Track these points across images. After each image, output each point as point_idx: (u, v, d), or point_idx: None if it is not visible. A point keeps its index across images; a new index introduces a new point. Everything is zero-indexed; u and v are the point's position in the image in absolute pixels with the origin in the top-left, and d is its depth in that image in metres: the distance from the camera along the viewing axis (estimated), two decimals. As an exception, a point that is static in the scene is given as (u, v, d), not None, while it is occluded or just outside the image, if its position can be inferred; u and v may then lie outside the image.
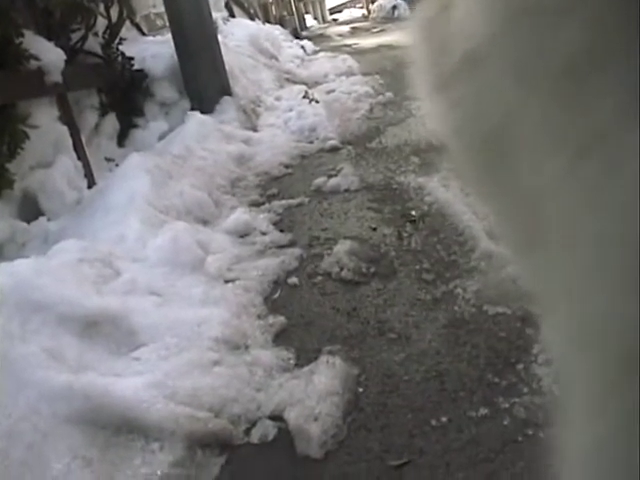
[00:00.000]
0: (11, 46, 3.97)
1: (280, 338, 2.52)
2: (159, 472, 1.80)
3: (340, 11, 39.91)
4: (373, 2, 27.09)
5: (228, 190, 4.37)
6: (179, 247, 3.02)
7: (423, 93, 0.55)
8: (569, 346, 0.40)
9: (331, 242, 3.32)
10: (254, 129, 6.11)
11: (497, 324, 2.32)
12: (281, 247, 3.36)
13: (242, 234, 3.53)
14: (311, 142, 5.62)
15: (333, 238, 3.37)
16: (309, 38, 17.89)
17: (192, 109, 5.86)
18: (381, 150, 5.00)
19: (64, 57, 4.46)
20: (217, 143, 5.11)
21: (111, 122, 5.49)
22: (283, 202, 4.11)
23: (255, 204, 4.14)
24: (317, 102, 7.08)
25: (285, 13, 21.74)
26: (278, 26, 16.68)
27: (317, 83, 8.89)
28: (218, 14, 10.00)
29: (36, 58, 4.18)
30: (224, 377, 2.16)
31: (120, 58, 5.77)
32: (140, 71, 6.00)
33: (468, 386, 2.03)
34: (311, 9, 34.05)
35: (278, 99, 7.58)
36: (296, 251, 3.26)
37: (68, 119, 4.56)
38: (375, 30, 18.93)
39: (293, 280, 2.97)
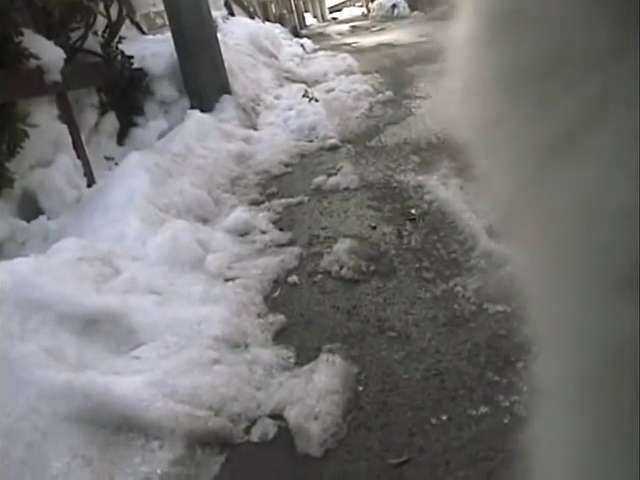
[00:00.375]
0: (11, 45, 3.97)
1: (280, 337, 2.52)
2: (159, 471, 1.80)
3: (340, 10, 39.96)
4: (373, 1, 27.09)
5: (228, 189, 4.37)
6: (179, 245, 3.02)
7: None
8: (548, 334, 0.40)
9: (331, 241, 3.31)
10: (254, 128, 6.11)
11: (497, 322, 2.32)
12: (281, 246, 3.36)
13: (242, 233, 3.53)
14: (311, 141, 5.62)
15: (333, 237, 3.37)
16: (309, 37, 17.90)
17: (192, 108, 5.86)
18: (381, 149, 5.00)
19: (64, 56, 4.46)
20: (217, 142, 5.11)
21: (111, 121, 5.49)
22: (283, 201, 4.11)
23: (255, 203, 4.14)
24: (317, 101, 7.08)
25: (285, 11, 21.75)
26: (278, 24, 16.69)
27: (317, 82, 8.88)
28: (217, 13, 10.01)
29: (36, 57, 4.17)
30: (224, 376, 2.16)
31: (120, 57, 5.77)
32: (140, 70, 6.00)
33: (468, 384, 2.03)
34: (311, 7, 34.07)
35: (278, 98, 7.58)
36: (296, 250, 3.26)
37: (68, 118, 4.56)
38: (375, 29, 18.94)
39: (293, 279, 2.97)
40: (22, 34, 4.09)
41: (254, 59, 8.88)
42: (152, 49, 6.27)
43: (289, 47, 12.96)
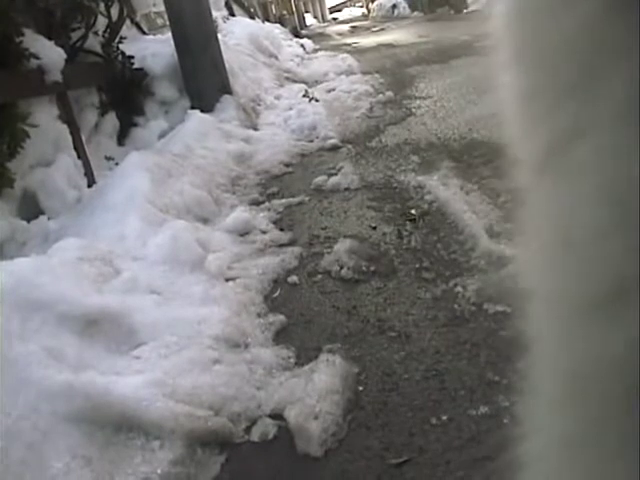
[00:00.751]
0: (11, 45, 3.98)
1: (280, 336, 2.52)
2: (159, 471, 1.80)
3: (340, 10, 39.99)
4: (373, 1, 27.12)
5: (228, 189, 4.37)
6: (179, 245, 3.02)
7: None
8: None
9: (331, 241, 3.32)
10: (254, 128, 6.11)
11: (497, 322, 2.31)
12: (281, 246, 3.36)
13: (242, 233, 3.53)
14: (311, 141, 5.62)
15: (333, 237, 3.37)
16: (309, 37, 17.92)
17: (192, 108, 5.87)
18: (381, 149, 5.00)
19: (64, 56, 4.46)
20: (217, 142, 5.11)
21: (111, 121, 5.50)
22: (283, 201, 4.12)
23: (255, 203, 4.14)
24: (317, 101, 7.09)
25: (285, 12, 21.77)
26: (278, 25, 16.71)
27: (317, 82, 8.89)
28: (218, 13, 10.02)
29: (36, 57, 4.18)
30: (224, 375, 2.16)
31: (120, 57, 5.77)
32: (140, 70, 6.00)
33: (468, 385, 2.03)
34: (311, 8, 34.10)
35: (278, 98, 7.58)
36: (296, 250, 3.26)
37: (68, 118, 4.57)
38: (375, 29, 18.95)
39: (293, 279, 2.97)
40: (23, 34, 4.09)
41: (254, 59, 8.89)
42: (152, 49, 6.27)
43: (289, 47, 12.98)
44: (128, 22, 6.57)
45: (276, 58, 10.40)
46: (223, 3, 12.01)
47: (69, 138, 4.48)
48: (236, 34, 9.77)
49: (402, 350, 2.30)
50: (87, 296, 2.43)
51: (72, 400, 1.89)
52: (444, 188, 3.67)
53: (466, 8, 17.06)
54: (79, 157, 4.55)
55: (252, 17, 14.33)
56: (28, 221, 3.81)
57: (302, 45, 14.44)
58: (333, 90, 7.80)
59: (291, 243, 3.39)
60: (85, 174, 4.54)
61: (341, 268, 2.96)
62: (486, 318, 2.36)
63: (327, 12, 39.36)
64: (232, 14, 12.48)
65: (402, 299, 2.65)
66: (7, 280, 2.30)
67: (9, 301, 2.20)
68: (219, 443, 1.94)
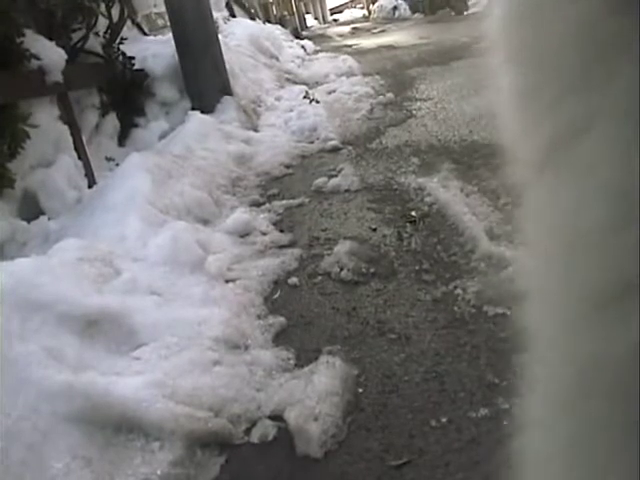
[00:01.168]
0: (12, 45, 3.98)
1: (280, 338, 2.52)
2: (159, 472, 1.80)
3: (341, 11, 40.00)
4: (374, 3, 27.13)
5: (228, 190, 4.37)
6: (179, 246, 3.02)
7: None
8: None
9: (331, 242, 3.32)
10: (254, 129, 6.12)
11: (497, 325, 2.32)
12: (281, 247, 3.36)
13: (242, 234, 3.53)
14: (311, 142, 5.62)
15: (333, 238, 3.37)
16: (310, 38, 17.93)
17: (193, 109, 5.87)
18: (381, 151, 5.00)
19: (65, 57, 4.47)
20: (217, 143, 5.11)
21: (112, 121, 5.50)
22: (283, 202, 4.12)
23: (255, 204, 4.14)
24: (317, 102, 7.09)
25: (286, 13, 21.78)
26: (279, 26, 16.71)
27: (317, 83, 8.90)
28: (219, 14, 10.02)
29: (37, 57, 4.18)
30: (224, 377, 2.16)
31: (121, 58, 5.78)
32: (141, 71, 6.00)
33: (468, 387, 2.03)
34: (312, 9, 34.11)
35: (278, 99, 7.59)
36: (296, 251, 3.26)
37: (69, 118, 4.57)
38: (376, 30, 18.97)
39: (293, 280, 2.97)
40: (24, 35, 4.10)
41: (255, 60, 8.89)
42: (153, 50, 6.28)
43: (290, 48, 12.98)
44: (129, 23, 6.58)
45: (277, 59, 10.40)
46: (224, 4, 12.02)
47: (70, 139, 4.48)
48: (237, 35, 9.78)
49: (402, 352, 2.30)
50: (87, 296, 2.43)
51: (72, 400, 1.89)
52: (444, 190, 3.67)
53: (467, 10, 17.08)
54: (79, 158, 4.55)
55: (253, 18, 14.34)
56: (28, 221, 3.81)
57: (303, 46, 14.45)
58: (334, 92, 7.80)
59: (291, 245, 3.39)
60: (85, 175, 4.55)
61: (341, 270, 2.96)
62: (486, 320, 2.37)
63: (328, 13, 39.38)
64: (233, 15, 12.48)
65: (402, 301, 2.65)
66: (7, 280, 2.30)
67: (9, 301, 2.21)
68: (219, 444, 1.94)
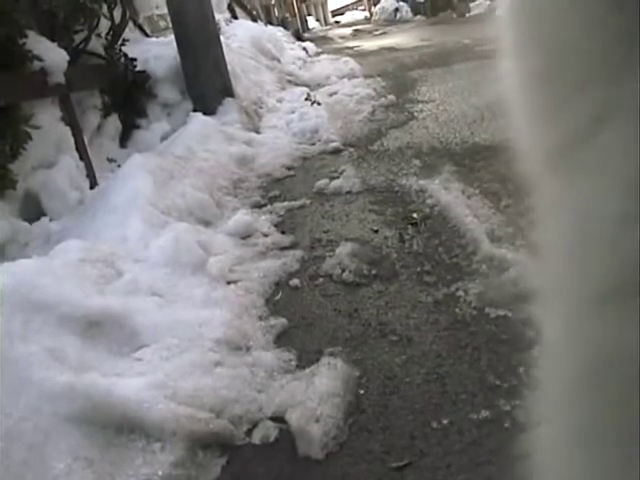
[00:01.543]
0: (14, 47, 3.98)
1: (281, 339, 2.52)
2: (160, 472, 1.80)
3: (342, 13, 40.00)
4: (375, 4, 27.14)
5: (230, 191, 4.37)
6: (181, 248, 3.02)
7: None
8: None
9: (333, 244, 3.32)
10: (256, 130, 6.12)
11: (498, 327, 2.32)
12: (283, 249, 3.36)
13: (244, 235, 3.53)
14: (313, 144, 5.62)
15: (335, 240, 3.37)
16: (311, 40, 17.93)
17: (194, 110, 5.87)
18: (383, 152, 5.00)
19: (67, 58, 4.47)
20: (219, 144, 5.11)
21: (113, 123, 5.50)
22: (285, 204, 4.12)
23: (257, 205, 4.14)
24: (319, 104, 7.09)
25: (287, 15, 21.78)
26: (280, 28, 16.71)
27: (319, 85, 8.90)
28: (220, 15, 10.02)
29: (39, 59, 4.18)
30: (225, 378, 2.16)
31: (123, 59, 5.78)
32: (143, 72, 6.01)
33: (469, 389, 2.03)
34: (313, 11, 34.13)
35: (280, 101, 7.59)
36: (298, 253, 3.26)
37: (71, 120, 4.57)
38: (377, 32, 18.98)
39: (294, 282, 2.97)
40: (26, 36, 4.10)
41: (257, 62, 8.90)
42: (155, 51, 6.28)
43: (292, 50, 12.98)
44: (131, 24, 6.58)
45: (278, 61, 10.41)
46: (226, 6, 12.04)
47: (71, 140, 4.49)
48: (238, 37, 9.78)
49: (403, 354, 2.30)
50: (89, 297, 2.43)
51: (73, 401, 1.90)
52: (446, 192, 3.67)
53: (468, 12, 17.09)
54: (81, 159, 4.56)
55: (254, 20, 14.34)
56: (30, 222, 3.81)
57: (304, 48, 14.45)
58: (335, 93, 7.80)
59: (293, 246, 3.39)
60: (87, 176, 4.55)
61: (343, 271, 2.96)
62: (487, 322, 2.37)
63: (329, 15, 39.38)
64: (234, 17, 12.49)
65: (403, 303, 2.65)
66: (9, 281, 2.30)
67: (11, 302, 2.21)
68: (220, 445, 1.94)
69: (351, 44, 16.48)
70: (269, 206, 4.11)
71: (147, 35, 7.33)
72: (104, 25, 5.69)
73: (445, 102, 6.34)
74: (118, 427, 1.91)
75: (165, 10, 6.84)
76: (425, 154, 4.65)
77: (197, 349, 2.31)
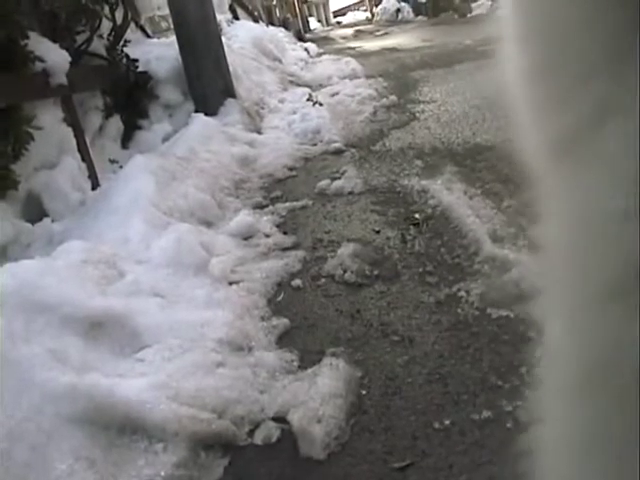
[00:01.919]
0: (17, 48, 3.99)
1: (283, 340, 2.52)
2: (162, 473, 1.80)
3: (344, 14, 40.06)
4: (377, 5, 27.17)
5: (232, 192, 4.37)
6: (183, 249, 3.02)
7: None
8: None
9: (335, 245, 3.32)
10: (258, 131, 6.12)
11: (500, 327, 2.32)
12: (285, 249, 3.36)
13: (246, 236, 3.53)
14: (315, 145, 5.62)
15: (337, 241, 3.37)
16: (313, 40, 17.97)
17: (196, 111, 5.88)
18: (385, 153, 5.00)
19: (69, 59, 4.47)
20: (221, 145, 5.11)
21: (115, 124, 5.51)
22: (287, 204, 4.12)
23: (259, 206, 4.14)
24: (321, 105, 7.09)
25: (289, 15, 21.80)
26: (282, 28, 16.74)
27: (321, 85, 8.90)
28: (222, 16, 10.04)
29: (41, 60, 4.19)
30: (227, 378, 2.16)
31: (124, 60, 5.78)
32: (144, 73, 6.01)
33: (471, 389, 2.03)
34: (315, 12, 34.14)
35: (282, 101, 7.59)
36: (299, 253, 3.26)
37: (73, 120, 4.58)
38: (379, 33, 19.00)
39: (296, 282, 2.97)
40: (28, 37, 4.11)
41: (258, 63, 8.90)
42: (157, 52, 6.29)
43: (293, 51, 13.00)
44: (132, 25, 6.58)
45: (280, 62, 10.42)
46: (227, 6, 12.04)
47: (73, 141, 4.49)
48: (240, 37, 9.79)
49: (405, 354, 2.30)
50: (91, 298, 2.43)
51: (76, 402, 1.90)
52: (448, 192, 3.67)
53: (470, 13, 17.09)
54: (83, 160, 4.56)
55: (256, 20, 14.35)
56: (32, 223, 3.81)
57: (306, 49, 14.47)
58: (337, 94, 7.80)
59: (295, 247, 3.39)
60: (89, 177, 4.55)
61: (345, 272, 2.96)
62: (489, 322, 2.36)
63: (331, 16, 39.42)
64: (236, 17, 12.49)
65: (405, 303, 2.65)
66: (11, 282, 2.30)
67: (13, 303, 2.21)
68: (222, 446, 1.94)
69: (353, 45, 16.49)
70: (271, 207, 4.11)
71: (149, 36, 7.33)
72: (106, 26, 5.69)
73: (447, 102, 6.34)
74: (120, 428, 1.92)
75: (167, 11, 6.85)
76: (427, 154, 4.65)
77: (199, 350, 2.31)
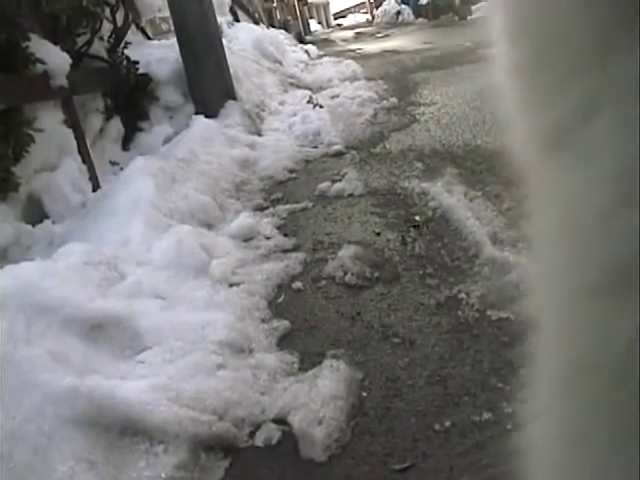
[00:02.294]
0: (17, 50, 3.99)
1: (284, 342, 2.52)
2: (163, 475, 1.80)
3: (344, 16, 40.12)
4: (377, 7, 27.20)
5: (232, 194, 4.38)
6: (183, 250, 3.02)
7: None
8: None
9: (335, 247, 3.32)
10: (258, 133, 6.12)
11: (500, 329, 2.32)
12: (285, 251, 3.36)
13: (246, 238, 3.53)
14: (315, 147, 5.63)
15: (337, 243, 3.38)
16: (313, 43, 17.97)
17: (197, 113, 5.88)
18: (385, 155, 5.00)
19: (70, 61, 4.48)
20: (221, 147, 5.12)
21: (116, 126, 5.51)
22: (287, 206, 4.12)
23: (259, 208, 4.15)
24: (321, 107, 7.10)
25: (289, 17, 21.83)
26: (282, 30, 16.75)
27: (321, 88, 8.90)
28: (222, 18, 10.04)
29: (42, 62, 4.20)
30: (228, 380, 2.16)
31: (125, 62, 5.79)
32: (145, 75, 6.02)
33: (472, 391, 2.03)
34: (315, 14, 34.17)
35: (282, 103, 7.60)
36: (300, 255, 3.26)
37: (73, 122, 4.58)
38: (379, 35, 19.01)
39: (297, 284, 2.97)
40: (29, 39, 4.11)
41: (259, 65, 8.91)
42: (157, 54, 6.29)
43: (294, 53, 13.01)
44: (133, 27, 6.59)
45: (280, 64, 10.42)
46: (228, 9, 12.05)
47: (74, 143, 4.50)
48: (241, 40, 9.81)
49: (406, 356, 2.30)
50: (92, 300, 2.43)
51: (77, 404, 1.90)
52: (448, 195, 3.67)
53: (470, 15, 17.10)
54: (84, 162, 4.57)
55: (257, 23, 14.36)
56: (33, 225, 3.82)
57: (306, 51, 14.48)
58: (337, 96, 7.80)
59: (295, 249, 3.39)
60: (90, 179, 4.56)
61: (345, 274, 2.96)
62: (490, 324, 2.37)
63: (331, 18, 39.47)
64: (237, 19, 12.51)
65: (406, 305, 2.65)
66: (12, 284, 2.31)
67: (14, 305, 2.21)
68: (223, 448, 1.94)
69: (353, 47, 16.50)
70: (271, 209, 4.11)
71: (149, 38, 7.34)
72: (106, 28, 5.70)
73: (447, 105, 6.35)
74: (121, 429, 1.92)
75: (167, 13, 6.85)
76: (427, 157, 4.65)
77: (200, 351, 2.31)
